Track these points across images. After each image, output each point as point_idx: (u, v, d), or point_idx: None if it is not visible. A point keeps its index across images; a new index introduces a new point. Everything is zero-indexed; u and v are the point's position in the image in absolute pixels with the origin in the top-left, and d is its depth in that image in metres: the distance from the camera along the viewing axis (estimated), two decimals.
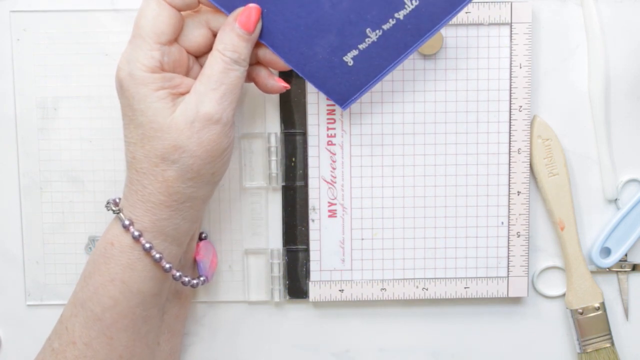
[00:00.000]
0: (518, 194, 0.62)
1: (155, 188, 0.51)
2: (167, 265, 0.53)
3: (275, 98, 0.62)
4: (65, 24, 0.60)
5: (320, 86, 0.55)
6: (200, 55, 0.54)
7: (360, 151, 0.61)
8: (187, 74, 0.53)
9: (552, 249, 0.64)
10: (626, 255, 0.63)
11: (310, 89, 0.60)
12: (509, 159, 0.61)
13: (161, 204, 0.51)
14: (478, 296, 0.62)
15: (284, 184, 0.62)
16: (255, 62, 0.55)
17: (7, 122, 0.62)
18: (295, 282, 0.63)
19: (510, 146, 0.61)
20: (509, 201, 0.62)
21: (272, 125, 0.62)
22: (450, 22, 0.56)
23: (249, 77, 0.55)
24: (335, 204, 0.62)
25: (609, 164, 0.62)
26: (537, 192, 0.63)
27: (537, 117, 0.62)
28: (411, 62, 0.60)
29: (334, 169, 0.61)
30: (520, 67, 0.61)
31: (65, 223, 0.62)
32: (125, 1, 0.61)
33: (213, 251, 0.62)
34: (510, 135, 0.61)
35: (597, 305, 0.63)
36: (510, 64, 0.61)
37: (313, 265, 0.62)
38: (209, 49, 0.53)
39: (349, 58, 0.54)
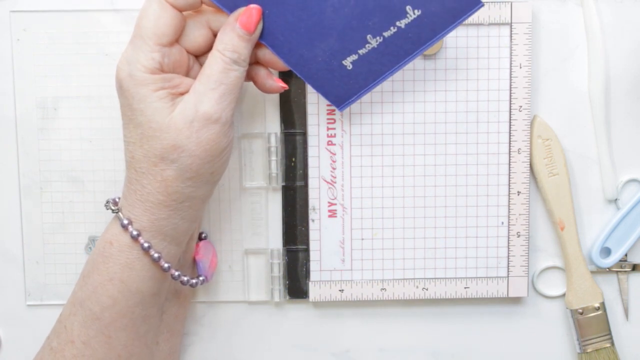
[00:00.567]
0: (518, 194, 0.62)
1: (154, 187, 0.51)
2: (166, 265, 0.53)
3: (275, 98, 0.62)
4: (65, 24, 0.61)
5: (318, 88, 0.55)
6: (200, 55, 0.55)
7: (360, 151, 0.61)
8: (187, 73, 0.53)
9: (552, 249, 0.64)
10: (626, 255, 0.63)
11: (310, 89, 0.60)
12: (509, 159, 0.61)
13: (160, 204, 0.51)
14: (478, 296, 0.62)
15: (284, 184, 0.62)
16: (254, 61, 0.55)
17: (7, 122, 0.62)
18: (295, 282, 0.63)
19: (510, 146, 0.61)
20: (509, 201, 0.62)
21: (272, 125, 0.62)
22: None
23: (248, 76, 0.55)
24: (335, 204, 0.62)
25: (609, 164, 0.62)
26: (537, 192, 0.63)
27: (537, 117, 0.62)
28: (411, 62, 0.60)
29: (334, 169, 0.61)
30: (520, 67, 0.60)
31: (65, 223, 0.62)
32: (125, 1, 0.61)
33: (213, 251, 0.62)
34: (510, 135, 0.61)
35: (597, 305, 0.63)
36: (510, 64, 0.60)
37: (313, 265, 0.62)
38: (209, 49, 0.53)
39: (348, 62, 0.54)
